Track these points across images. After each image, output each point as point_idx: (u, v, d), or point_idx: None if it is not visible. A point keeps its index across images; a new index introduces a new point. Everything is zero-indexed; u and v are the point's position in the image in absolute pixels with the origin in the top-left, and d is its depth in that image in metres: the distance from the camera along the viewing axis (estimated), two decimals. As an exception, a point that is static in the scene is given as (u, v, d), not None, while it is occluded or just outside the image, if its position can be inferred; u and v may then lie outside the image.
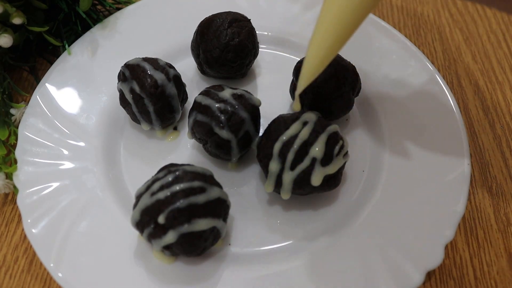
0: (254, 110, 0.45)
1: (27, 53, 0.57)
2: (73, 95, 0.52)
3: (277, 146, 0.41)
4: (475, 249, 0.45)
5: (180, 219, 0.37)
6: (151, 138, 0.51)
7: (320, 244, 0.42)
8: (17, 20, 0.48)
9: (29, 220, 0.42)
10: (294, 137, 0.41)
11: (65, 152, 0.47)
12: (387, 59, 0.54)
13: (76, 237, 0.42)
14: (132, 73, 0.47)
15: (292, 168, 0.41)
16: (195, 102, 0.46)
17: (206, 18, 0.52)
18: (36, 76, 0.57)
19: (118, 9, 0.64)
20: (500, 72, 0.60)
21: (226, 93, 0.44)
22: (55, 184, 0.45)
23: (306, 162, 0.41)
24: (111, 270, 0.40)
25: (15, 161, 0.46)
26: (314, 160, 0.40)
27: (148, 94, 0.46)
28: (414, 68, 0.53)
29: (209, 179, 0.40)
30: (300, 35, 0.58)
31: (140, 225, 0.39)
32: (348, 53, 0.49)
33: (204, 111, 0.44)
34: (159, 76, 0.46)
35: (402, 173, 0.46)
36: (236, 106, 0.43)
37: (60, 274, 0.39)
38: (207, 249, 0.40)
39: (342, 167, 0.43)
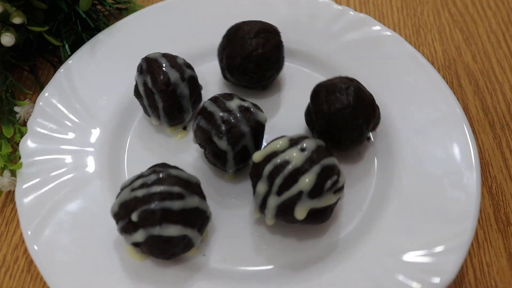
0: (257, 126, 0.43)
1: (27, 53, 0.57)
2: (94, 79, 0.53)
3: (268, 168, 0.39)
4: (475, 249, 0.45)
5: (151, 221, 0.37)
6: (160, 133, 0.51)
7: (302, 276, 0.41)
8: (17, 20, 0.48)
9: (23, 187, 0.44)
10: (287, 162, 0.39)
11: (74, 131, 0.49)
12: (418, 97, 0.51)
13: (62, 215, 0.43)
14: (148, 66, 0.47)
15: (279, 193, 0.39)
16: (202, 106, 0.45)
17: (236, 24, 0.51)
18: (36, 75, 0.57)
19: (118, 9, 0.64)
20: (500, 72, 0.60)
21: (233, 104, 0.44)
22: (55, 158, 0.46)
23: (293, 191, 0.38)
24: (86, 255, 0.41)
25: (20, 157, 0.46)
26: (301, 191, 0.38)
27: (158, 90, 0.46)
28: (443, 113, 0.49)
29: (192, 187, 0.39)
30: (334, 56, 0.55)
31: (116, 217, 0.39)
32: (377, 85, 0.49)
33: (207, 118, 0.44)
34: (173, 74, 0.46)
35: (402, 222, 0.43)
36: (239, 119, 0.43)
37: (35, 247, 0.40)
38: (177, 255, 0.40)
39: (334, 204, 0.41)
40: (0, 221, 0.47)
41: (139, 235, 0.37)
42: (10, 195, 0.48)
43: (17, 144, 0.48)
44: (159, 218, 0.37)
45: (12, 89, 0.53)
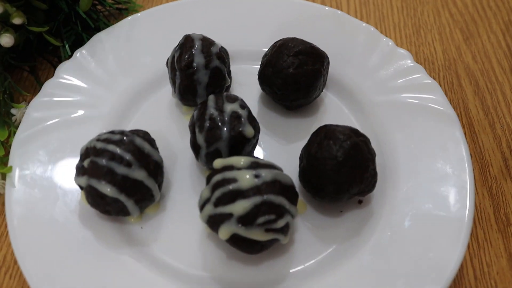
0: (238, 136, 0.43)
1: (27, 53, 0.57)
2: (119, 54, 0.55)
3: (217, 177, 0.39)
4: (475, 249, 0.45)
5: (94, 173, 0.40)
6: (174, 110, 0.53)
7: None
8: (17, 20, 0.48)
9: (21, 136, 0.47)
10: (234, 180, 0.38)
11: (85, 95, 0.51)
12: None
13: (48, 172, 0.45)
14: (183, 43, 0.48)
15: (215, 204, 0.38)
16: (207, 98, 0.46)
17: (288, 37, 0.50)
18: (36, 76, 0.57)
19: (118, 9, 0.64)
20: (500, 72, 0.60)
21: (229, 107, 0.43)
22: (60, 117, 0.49)
23: (225, 209, 0.37)
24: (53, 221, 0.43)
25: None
26: (232, 213, 0.37)
27: (179, 68, 0.47)
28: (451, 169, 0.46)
29: (148, 163, 0.41)
30: (365, 92, 0.53)
31: (80, 157, 0.42)
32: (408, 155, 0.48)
33: (202, 109, 0.44)
34: (198, 59, 0.47)
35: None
36: (225, 123, 0.42)
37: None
38: (112, 215, 0.42)
39: (268, 242, 0.39)
40: (0, 222, 0.47)
41: (83, 180, 0.41)
42: (10, 195, 0.48)
43: (11, 147, 0.47)
44: (100, 174, 0.40)
45: (11, 90, 0.52)
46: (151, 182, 0.42)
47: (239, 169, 0.39)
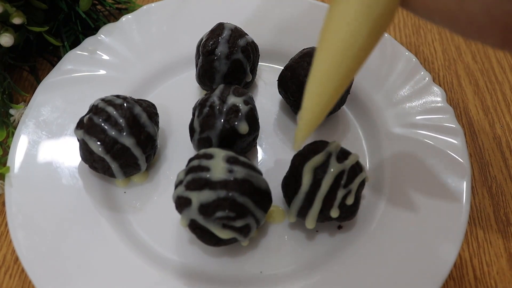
0: (230, 131, 0.43)
1: (27, 53, 0.57)
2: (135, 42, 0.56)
3: (195, 162, 0.39)
4: (475, 249, 0.45)
5: (88, 128, 0.42)
6: (193, 92, 0.54)
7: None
8: (17, 20, 0.48)
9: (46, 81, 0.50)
10: (207, 169, 0.38)
11: (118, 59, 0.54)
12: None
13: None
14: (214, 30, 0.49)
15: (186, 187, 0.38)
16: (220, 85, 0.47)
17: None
18: (36, 76, 0.57)
19: (118, 9, 0.64)
20: (500, 72, 0.60)
21: (233, 99, 0.44)
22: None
23: (191, 194, 0.38)
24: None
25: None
26: (195, 200, 0.38)
27: (202, 52, 0.49)
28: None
29: (139, 132, 0.43)
30: (386, 121, 0.50)
31: (87, 112, 0.44)
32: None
33: (210, 93, 0.45)
34: (221, 48, 0.48)
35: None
36: (221, 114, 0.43)
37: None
38: (99, 172, 0.44)
39: (231, 239, 0.39)
40: (0, 221, 0.47)
41: (79, 133, 0.43)
42: (10, 195, 0.48)
43: (9, 147, 0.48)
44: (93, 131, 0.42)
45: (9, 90, 0.52)
46: (138, 152, 0.43)
47: (216, 160, 0.39)
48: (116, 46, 0.55)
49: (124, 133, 0.42)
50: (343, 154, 0.40)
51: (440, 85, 0.58)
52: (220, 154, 0.40)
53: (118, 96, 0.45)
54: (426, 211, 0.43)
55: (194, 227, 0.39)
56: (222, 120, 0.43)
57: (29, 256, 0.40)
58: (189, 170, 0.39)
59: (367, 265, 0.41)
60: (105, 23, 0.59)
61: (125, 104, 0.43)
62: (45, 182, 0.44)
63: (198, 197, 0.37)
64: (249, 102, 0.45)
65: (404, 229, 0.42)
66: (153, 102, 0.48)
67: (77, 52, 0.53)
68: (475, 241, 0.46)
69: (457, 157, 0.46)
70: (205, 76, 0.49)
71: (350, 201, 0.40)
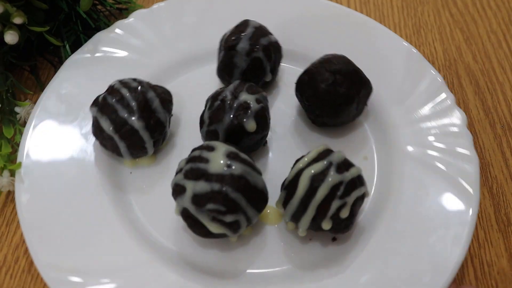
0: (238, 127, 0.43)
1: (28, 53, 0.57)
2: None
3: (196, 152, 0.40)
4: (476, 249, 0.45)
5: (102, 107, 0.44)
6: (213, 85, 0.54)
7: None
8: (17, 20, 0.48)
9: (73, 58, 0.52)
10: (206, 160, 0.39)
11: (145, 44, 0.55)
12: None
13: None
14: (239, 25, 0.51)
15: (184, 176, 0.39)
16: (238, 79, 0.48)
17: (341, 55, 0.48)
18: (37, 75, 0.57)
19: (119, 9, 0.64)
20: (500, 72, 0.60)
21: (244, 96, 0.44)
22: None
23: (187, 183, 0.39)
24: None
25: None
26: (189, 189, 0.38)
27: (224, 47, 0.50)
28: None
29: (149, 116, 0.44)
30: (400, 138, 0.49)
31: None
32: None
33: (222, 88, 0.46)
34: (242, 44, 0.49)
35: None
36: (231, 109, 0.43)
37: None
38: (107, 149, 0.46)
39: (219, 234, 0.40)
40: (1, 222, 0.47)
41: (93, 111, 0.45)
42: (10, 196, 0.48)
43: (17, 144, 0.48)
44: (105, 110, 0.44)
45: (13, 89, 0.53)
46: (146, 135, 0.44)
47: (217, 153, 0.39)
48: (145, 31, 0.56)
49: (134, 116, 0.44)
50: (345, 166, 0.40)
51: (440, 85, 0.58)
52: (221, 148, 0.40)
53: (134, 80, 0.46)
54: (425, 238, 0.41)
55: (186, 216, 0.39)
56: (231, 116, 0.43)
57: (28, 218, 0.42)
58: (190, 159, 0.40)
59: (355, 282, 0.40)
60: (105, 23, 0.59)
61: (139, 88, 0.45)
62: (56, 152, 0.47)
63: (192, 187, 0.38)
64: (261, 101, 0.45)
65: (399, 254, 0.41)
66: (172, 91, 0.49)
67: (106, 33, 0.55)
68: (475, 241, 0.46)
69: (467, 186, 0.44)
70: (225, 71, 0.50)
71: (344, 214, 0.39)
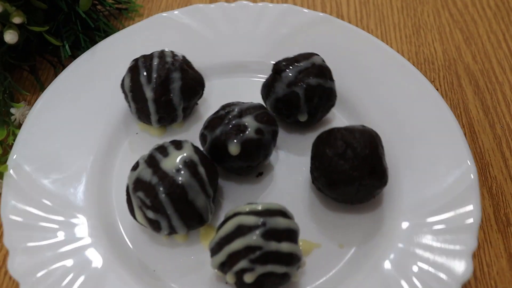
0: (221, 145, 0.43)
1: (27, 53, 0.57)
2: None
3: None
4: (475, 249, 0.45)
5: (131, 71, 0.48)
6: (254, 96, 0.51)
7: None
8: (17, 20, 0.48)
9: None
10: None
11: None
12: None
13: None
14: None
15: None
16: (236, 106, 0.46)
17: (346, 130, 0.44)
18: (36, 75, 0.57)
19: (118, 9, 0.64)
20: (500, 72, 0.60)
21: (247, 119, 0.43)
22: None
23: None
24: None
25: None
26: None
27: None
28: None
29: (161, 93, 0.46)
30: None
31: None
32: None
33: (225, 106, 0.46)
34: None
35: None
36: (226, 123, 0.43)
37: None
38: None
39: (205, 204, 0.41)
40: (1, 222, 0.47)
41: (129, 65, 0.49)
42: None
43: (9, 146, 0.47)
44: (131, 70, 0.47)
45: (11, 90, 0.52)
46: (152, 108, 0.47)
47: (178, 153, 0.41)
48: (216, 21, 0.58)
49: (149, 86, 0.46)
50: (279, 236, 0.37)
51: (440, 86, 0.58)
52: (185, 152, 0.41)
53: (175, 55, 0.48)
54: None
55: (127, 191, 0.41)
56: (222, 130, 0.43)
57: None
58: (159, 146, 0.42)
59: None
60: (105, 23, 0.59)
61: (169, 64, 0.46)
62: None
63: (140, 170, 0.40)
64: (263, 132, 0.43)
65: None
66: (221, 87, 0.53)
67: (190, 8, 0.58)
68: (475, 242, 0.46)
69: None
70: (264, 91, 0.50)
71: (248, 279, 0.36)
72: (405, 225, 0.43)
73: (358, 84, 0.53)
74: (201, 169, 0.40)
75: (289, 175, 0.48)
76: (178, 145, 0.41)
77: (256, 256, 0.36)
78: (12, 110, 0.51)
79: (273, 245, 0.36)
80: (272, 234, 0.36)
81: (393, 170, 0.45)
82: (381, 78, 0.53)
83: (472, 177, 0.43)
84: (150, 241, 0.44)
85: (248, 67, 0.56)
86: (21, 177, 0.45)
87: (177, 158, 0.40)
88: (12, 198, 0.43)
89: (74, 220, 0.43)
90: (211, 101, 0.54)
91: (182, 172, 0.39)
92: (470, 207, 0.42)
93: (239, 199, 0.46)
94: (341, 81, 0.51)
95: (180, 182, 0.39)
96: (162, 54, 0.47)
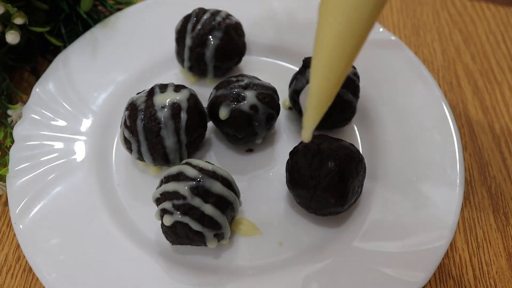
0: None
1: (28, 54, 0.57)
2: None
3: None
4: (474, 249, 0.46)
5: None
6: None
7: None
8: (18, 20, 0.48)
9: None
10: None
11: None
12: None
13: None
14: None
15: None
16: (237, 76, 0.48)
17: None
18: (37, 76, 0.57)
19: (119, 9, 0.64)
20: (499, 73, 0.60)
21: (248, 93, 0.45)
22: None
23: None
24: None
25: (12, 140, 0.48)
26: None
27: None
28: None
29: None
30: None
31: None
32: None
33: (226, 83, 0.47)
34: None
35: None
36: (233, 88, 0.45)
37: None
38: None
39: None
40: (2, 222, 0.47)
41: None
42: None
43: (7, 148, 0.48)
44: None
45: (9, 91, 0.52)
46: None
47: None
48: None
49: (190, 34, 0.50)
50: (206, 196, 0.39)
51: (439, 85, 0.58)
52: (180, 95, 0.44)
53: (228, 17, 0.51)
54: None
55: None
56: (222, 91, 0.46)
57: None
58: (163, 85, 0.45)
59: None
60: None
61: (215, 22, 0.49)
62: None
63: (139, 96, 0.44)
64: (258, 111, 0.45)
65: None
66: (257, 65, 0.56)
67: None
68: (474, 241, 0.46)
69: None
70: (292, 78, 0.50)
71: (166, 221, 0.39)
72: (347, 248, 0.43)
73: (379, 97, 0.52)
74: (184, 115, 0.43)
75: (275, 163, 0.49)
76: (178, 88, 0.45)
77: (179, 203, 0.38)
78: (9, 112, 0.50)
79: (197, 202, 0.38)
80: (202, 192, 0.39)
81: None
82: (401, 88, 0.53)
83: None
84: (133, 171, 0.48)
85: (294, 56, 0.57)
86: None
87: (168, 98, 0.43)
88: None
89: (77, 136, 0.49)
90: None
91: (165, 110, 0.42)
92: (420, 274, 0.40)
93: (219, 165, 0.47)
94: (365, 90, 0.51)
95: (157, 116, 0.42)
96: (216, 12, 0.51)
